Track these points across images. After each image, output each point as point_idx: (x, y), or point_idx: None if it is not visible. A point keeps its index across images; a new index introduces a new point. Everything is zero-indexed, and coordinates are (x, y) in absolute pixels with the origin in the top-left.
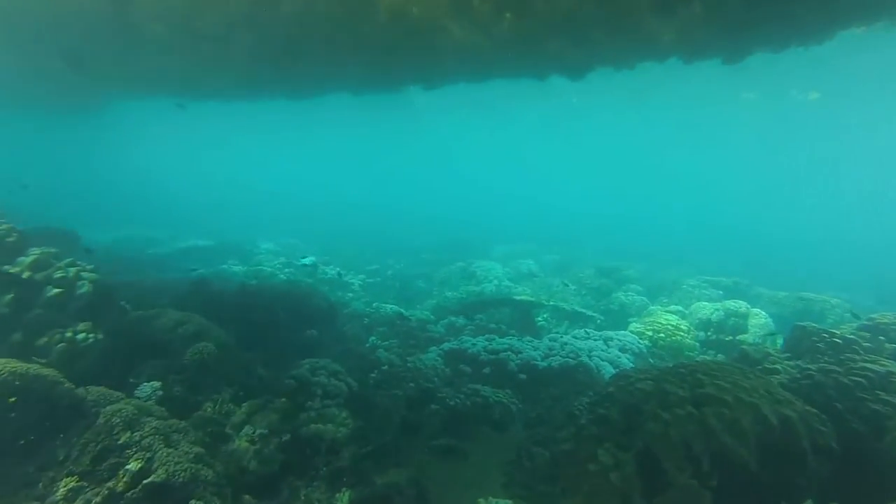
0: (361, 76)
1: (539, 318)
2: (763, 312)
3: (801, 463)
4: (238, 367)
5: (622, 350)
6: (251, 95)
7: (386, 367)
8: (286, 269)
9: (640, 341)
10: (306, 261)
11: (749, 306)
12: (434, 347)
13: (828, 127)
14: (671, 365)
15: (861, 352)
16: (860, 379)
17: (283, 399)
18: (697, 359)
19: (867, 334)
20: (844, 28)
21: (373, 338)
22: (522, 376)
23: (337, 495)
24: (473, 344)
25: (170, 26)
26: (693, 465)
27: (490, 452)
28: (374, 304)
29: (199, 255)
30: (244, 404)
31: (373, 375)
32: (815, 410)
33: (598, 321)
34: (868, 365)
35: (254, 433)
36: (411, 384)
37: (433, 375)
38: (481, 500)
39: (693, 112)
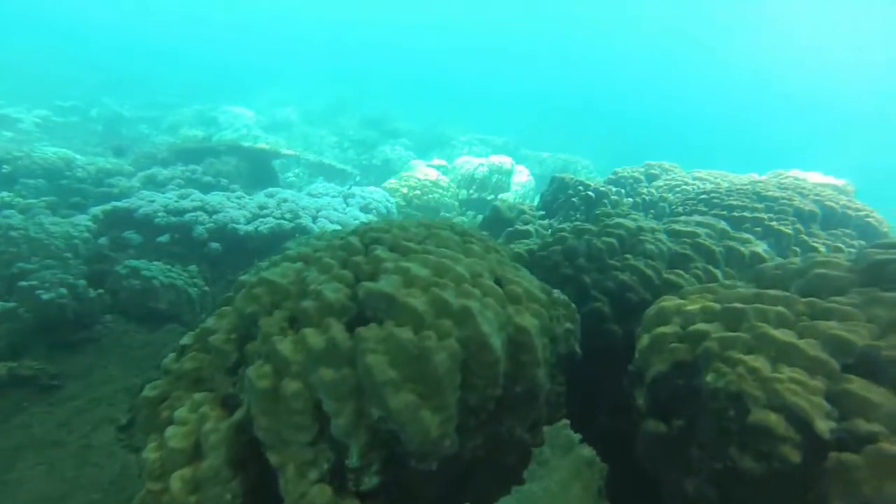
0: None
1: (289, 174)
2: (527, 170)
3: (531, 412)
4: None
5: (364, 209)
6: None
7: None
8: None
9: (391, 199)
10: None
11: (514, 162)
12: (97, 208)
13: None
14: (350, 229)
15: (610, 206)
16: (612, 240)
17: None
18: (408, 213)
19: (613, 188)
20: None
21: (5, 194)
22: (215, 245)
23: None
24: (151, 201)
25: None
26: (336, 453)
27: (125, 368)
28: (26, 148)
29: None
30: None
31: None
32: (563, 298)
33: (356, 178)
34: (621, 220)
35: None
36: None
37: (64, 250)
38: None
39: None
